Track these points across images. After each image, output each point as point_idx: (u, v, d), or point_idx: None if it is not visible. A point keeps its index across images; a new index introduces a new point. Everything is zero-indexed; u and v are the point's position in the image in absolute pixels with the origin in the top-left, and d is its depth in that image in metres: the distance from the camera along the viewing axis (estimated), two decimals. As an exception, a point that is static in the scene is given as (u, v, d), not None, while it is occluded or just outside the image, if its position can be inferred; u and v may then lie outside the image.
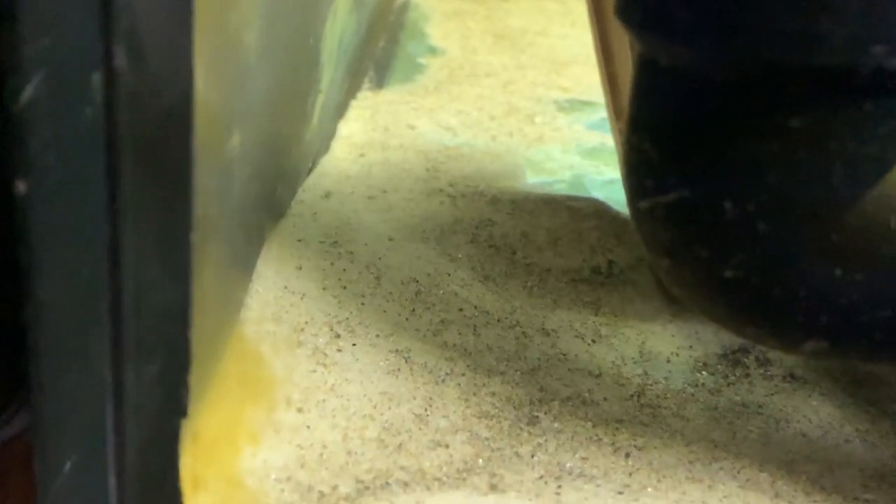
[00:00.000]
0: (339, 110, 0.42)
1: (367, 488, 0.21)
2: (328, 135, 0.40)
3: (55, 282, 0.16)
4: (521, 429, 0.24)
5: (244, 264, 0.26)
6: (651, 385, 0.26)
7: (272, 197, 0.29)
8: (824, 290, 0.18)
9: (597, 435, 0.24)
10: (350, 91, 0.44)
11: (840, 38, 0.16)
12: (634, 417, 0.25)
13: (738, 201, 0.18)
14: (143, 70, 0.15)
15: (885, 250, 0.17)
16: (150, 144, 0.16)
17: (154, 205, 0.16)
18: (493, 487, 0.22)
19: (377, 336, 0.26)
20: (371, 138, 0.40)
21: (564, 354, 0.27)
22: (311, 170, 0.37)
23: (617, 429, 0.24)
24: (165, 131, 0.16)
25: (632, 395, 0.26)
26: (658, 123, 0.20)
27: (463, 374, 0.25)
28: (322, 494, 0.21)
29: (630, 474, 0.23)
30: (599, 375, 0.26)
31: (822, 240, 0.18)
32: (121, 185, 0.15)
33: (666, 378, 0.27)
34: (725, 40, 0.17)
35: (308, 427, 0.22)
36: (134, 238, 0.16)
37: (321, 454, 0.22)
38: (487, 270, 0.31)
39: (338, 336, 0.25)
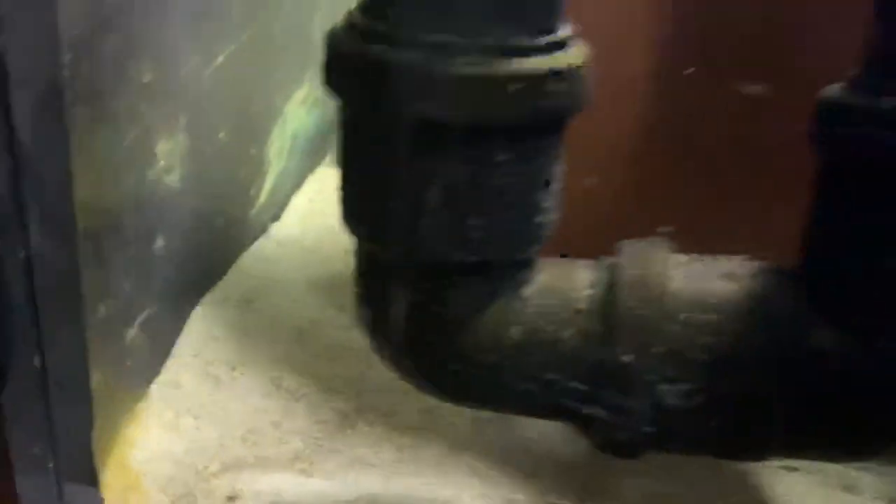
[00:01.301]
0: (296, 185, 0.55)
1: (227, 468, 0.34)
2: (280, 206, 0.52)
3: None
4: (343, 432, 0.36)
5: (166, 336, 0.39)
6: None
7: (204, 274, 0.42)
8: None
9: (391, 437, 0.36)
10: (309, 168, 0.57)
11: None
12: (424, 425, 0.36)
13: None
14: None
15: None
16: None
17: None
18: (303, 472, 0.34)
19: (261, 368, 0.38)
20: (315, 207, 0.53)
21: (392, 378, 0.39)
22: (261, 234, 0.50)
23: (406, 432, 0.36)
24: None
25: (427, 409, 0.37)
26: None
27: (314, 395, 0.38)
28: (196, 469, 0.33)
29: (403, 463, 0.34)
30: (407, 393, 0.38)
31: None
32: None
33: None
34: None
35: (198, 429, 0.35)
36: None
37: (203, 445, 0.34)
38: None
39: (233, 369, 0.38)
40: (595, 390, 0.26)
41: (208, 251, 0.41)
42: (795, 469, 0.38)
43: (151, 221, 0.35)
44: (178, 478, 0.33)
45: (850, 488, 0.38)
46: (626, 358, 0.25)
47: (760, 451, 0.28)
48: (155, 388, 0.36)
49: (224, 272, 0.44)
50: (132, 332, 0.34)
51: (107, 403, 0.32)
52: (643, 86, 0.38)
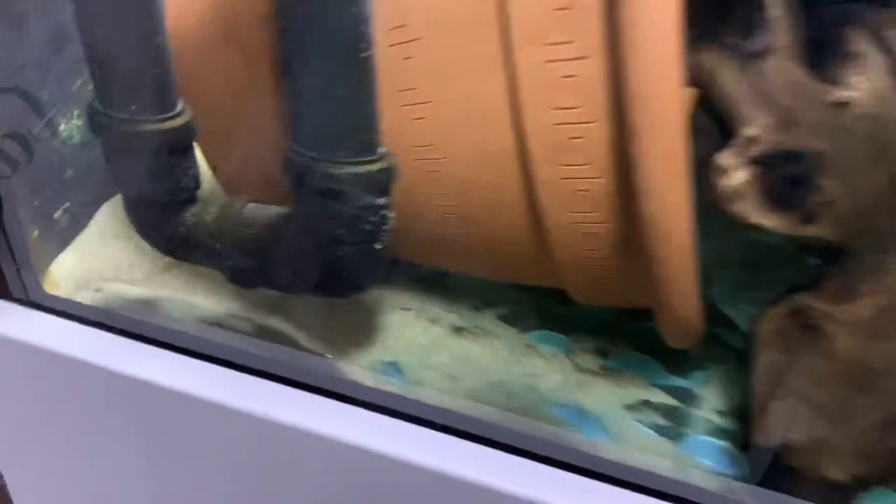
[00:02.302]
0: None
1: (103, 279, 0.67)
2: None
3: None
4: (165, 273, 0.69)
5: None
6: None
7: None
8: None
9: (180, 272, 0.68)
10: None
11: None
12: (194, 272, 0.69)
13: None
14: None
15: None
16: None
17: None
18: (136, 283, 0.67)
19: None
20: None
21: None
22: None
23: (188, 271, 0.68)
24: None
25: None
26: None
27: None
28: (86, 279, 0.67)
29: (174, 286, 0.67)
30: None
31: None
32: None
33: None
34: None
35: (88, 262, 0.69)
36: None
37: (90, 268, 0.68)
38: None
39: (114, 237, 0.71)
40: (222, 251, 0.58)
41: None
42: (410, 309, 0.68)
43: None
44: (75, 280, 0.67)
45: (434, 320, 0.68)
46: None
47: (301, 290, 0.58)
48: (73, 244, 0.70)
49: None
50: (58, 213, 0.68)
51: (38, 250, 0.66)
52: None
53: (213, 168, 0.62)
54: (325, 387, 0.59)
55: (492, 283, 0.70)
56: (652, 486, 0.54)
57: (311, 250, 0.53)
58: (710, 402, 0.64)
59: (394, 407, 0.57)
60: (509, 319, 0.68)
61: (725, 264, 0.66)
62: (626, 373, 0.66)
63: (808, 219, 0.47)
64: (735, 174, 0.46)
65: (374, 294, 0.68)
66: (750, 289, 0.66)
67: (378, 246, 0.53)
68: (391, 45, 0.49)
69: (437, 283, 0.70)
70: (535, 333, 0.68)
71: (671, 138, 0.44)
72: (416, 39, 0.49)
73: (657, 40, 0.42)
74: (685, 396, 0.65)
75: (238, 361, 0.59)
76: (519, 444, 0.55)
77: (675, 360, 0.67)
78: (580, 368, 0.65)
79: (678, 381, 0.66)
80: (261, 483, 0.60)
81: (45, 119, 0.62)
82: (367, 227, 0.51)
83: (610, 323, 0.69)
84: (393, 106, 0.52)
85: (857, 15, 0.43)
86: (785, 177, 0.45)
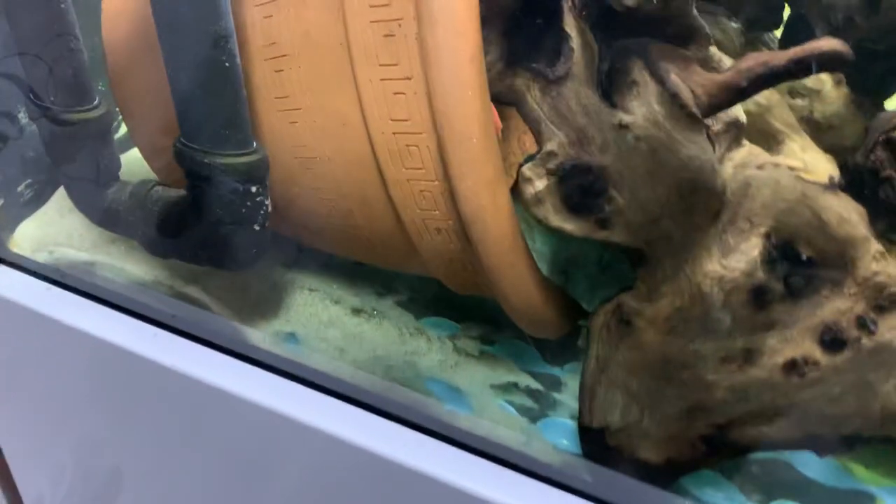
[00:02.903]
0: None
1: (57, 245, 0.78)
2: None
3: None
4: (109, 246, 0.79)
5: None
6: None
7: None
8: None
9: (118, 244, 0.78)
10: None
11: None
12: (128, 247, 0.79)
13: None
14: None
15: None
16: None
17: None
18: (86, 251, 0.77)
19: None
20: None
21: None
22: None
23: (124, 242, 0.78)
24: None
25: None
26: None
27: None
28: (41, 246, 0.78)
29: (117, 255, 0.77)
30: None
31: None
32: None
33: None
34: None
35: (45, 228, 0.79)
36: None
37: (46, 233, 0.79)
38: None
39: (71, 211, 0.82)
40: (135, 224, 0.67)
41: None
42: (316, 290, 0.77)
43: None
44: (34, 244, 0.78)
45: (336, 301, 0.76)
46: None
47: (200, 262, 0.67)
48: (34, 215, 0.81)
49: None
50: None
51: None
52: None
53: (151, 163, 0.72)
54: (231, 347, 0.68)
55: (397, 271, 0.78)
56: (498, 454, 0.61)
57: (200, 228, 0.62)
58: (573, 388, 0.71)
59: (285, 368, 0.66)
60: (406, 305, 0.76)
61: (584, 265, 0.72)
62: (503, 358, 0.73)
63: (602, 225, 0.54)
64: (536, 183, 0.53)
65: (287, 275, 0.77)
66: (605, 287, 0.73)
67: (256, 227, 0.62)
68: (266, 60, 0.58)
69: (347, 269, 0.78)
70: (428, 319, 0.75)
71: (477, 150, 0.52)
72: (284, 56, 0.57)
73: (457, 65, 0.50)
74: (552, 382, 0.72)
75: (160, 319, 0.69)
76: (386, 409, 0.64)
77: (554, 351, 0.74)
78: (461, 351, 0.73)
79: (550, 370, 0.73)
80: (173, 429, 0.69)
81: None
82: (243, 210, 0.60)
83: (502, 313, 0.76)
84: (272, 110, 0.60)
85: (641, 47, 0.50)
86: (578, 186, 0.52)
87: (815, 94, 0.76)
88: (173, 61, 0.53)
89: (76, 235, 0.78)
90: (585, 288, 0.73)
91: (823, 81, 0.76)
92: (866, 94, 0.80)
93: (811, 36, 0.68)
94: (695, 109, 0.50)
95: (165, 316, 0.69)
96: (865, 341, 0.53)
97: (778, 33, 0.79)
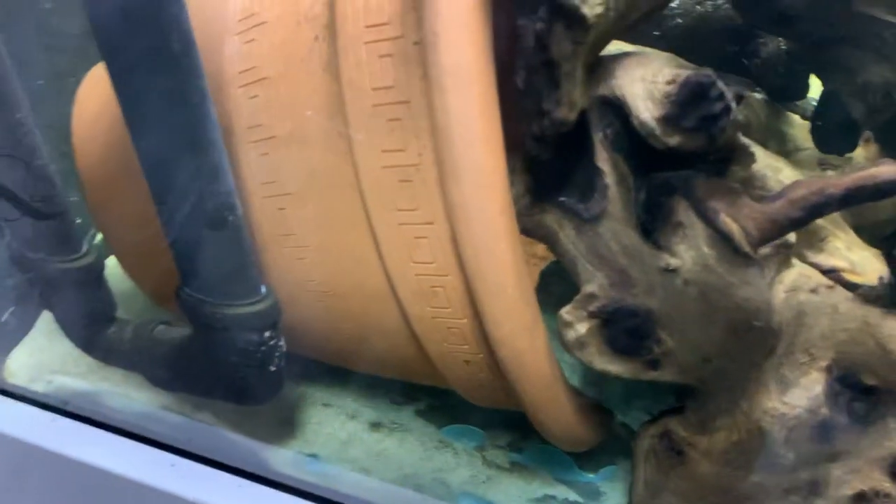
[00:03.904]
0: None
1: (52, 372, 0.73)
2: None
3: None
4: (99, 370, 0.74)
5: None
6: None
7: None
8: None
9: (101, 368, 0.74)
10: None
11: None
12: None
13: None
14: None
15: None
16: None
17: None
18: (81, 377, 0.72)
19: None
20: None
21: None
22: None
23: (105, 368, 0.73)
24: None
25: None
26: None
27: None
28: (38, 370, 0.73)
29: (97, 377, 0.72)
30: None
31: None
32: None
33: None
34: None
35: (37, 356, 0.75)
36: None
37: (41, 361, 0.74)
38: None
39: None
40: (140, 363, 0.63)
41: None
42: (330, 405, 0.73)
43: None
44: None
45: (353, 416, 0.72)
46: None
47: (212, 398, 0.63)
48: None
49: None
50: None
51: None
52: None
53: (140, 284, 0.67)
54: (256, 472, 0.64)
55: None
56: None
57: (212, 370, 0.58)
58: (613, 497, 0.67)
59: (314, 492, 0.62)
60: (427, 415, 0.72)
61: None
62: (535, 468, 0.69)
63: (652, 366, 0.50)
64: (578, 326, 0.49)
65: (297, 390, 0.73)
66: (641, 397, 0.69)
67: (272, 368, 0.57)
68: (266, 197, 0.53)
69: (359, 378, 0.74)
70: (452, 428, 0.71)
71: (512, 299, 0.48)
72: (287, 194, 0.52)
73: (487, 219, 0.45)
74: (590, 492, 0.68)
75: (176, 445, 0.65)
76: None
77: (587, 455, 0.70)
78: (490, 464, 0.69)
79: (585, 477, 0.69)
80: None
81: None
82: (258, 355, 0.56)
83: (526, 418, 0.72)
84: (276, 246, 0.56)
85: (684, 184, 0.46)
86: (623, 329, 0.48)
87: (847, 162, 0.72)
88: (171, 221, 0.48)
89: (71, 361, 0.74)
90: (621, 398, 0.69)
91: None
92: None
93: (845, 113, 0.64)
94: (748, 249, 0.45)
95: (181, 441, 0.65)
96: (940, 474, 0.49)
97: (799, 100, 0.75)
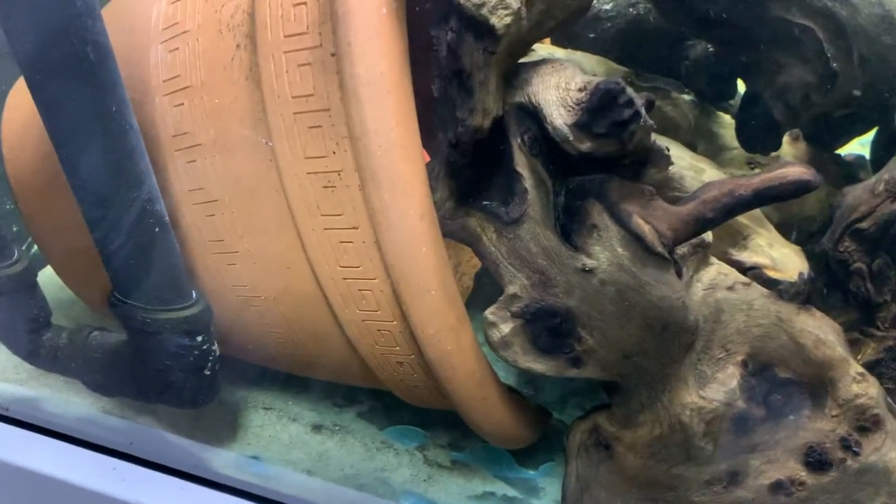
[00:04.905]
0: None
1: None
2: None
3: None
4: (39, 377, 0.74)
5: None
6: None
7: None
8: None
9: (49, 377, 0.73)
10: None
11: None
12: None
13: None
14: None
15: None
16: None
17: None
18: (22, 384, 0.72)
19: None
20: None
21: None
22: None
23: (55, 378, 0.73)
24: None
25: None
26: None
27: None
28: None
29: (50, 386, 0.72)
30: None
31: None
32: None
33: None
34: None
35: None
36: None
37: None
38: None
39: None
40: (76, 370, 0.63)
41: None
42: (271, 408, 0.73)
43: None
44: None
45: (294, 419, 0.72)
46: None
47: (150, 402, 0.63)
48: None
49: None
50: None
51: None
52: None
53: (76, 292, 0.67)
54: (199, 474, 0.64)
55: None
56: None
57: (147, 375, 0.58)
58: (551, 493, 0.68)
59: (256, 493, 0.62)
60: (368, 416, 0.72)
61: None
62: (475, 466, 0.70)
63: (574, 363, 0.51)
64: (502, 326, 0.50)
65: (237, 393, 0.73)
66: (576, 395, 0.70)
67: (206, 372, 0.58)
68: (194, 204, 0.54)
69: (299, 381, 0.74)
70: (393, 429, 0.72)
71: (436, 301, 0.49)
72: (215, 201, 0.53)
73: (408, 225, 0.46)
74: (529, 488, 0.69)
75: (120, 450, 0.65)
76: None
77: (526, 452, 0.71)
78: (431, 463, 0.70)
79: (525, 473, 0.70)
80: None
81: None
82: (191, 359, 0.56)
83: (466, 416, 0.73)
84: (207, 252, 0.56)
85: (598, 187, 0.47)
86: (545, 328, 0.49)
87: (773, 160, 0.74)
88: (97, 229, 0.49)
89: (10, 367, 0.73)
90: (556, 396, 0.70)
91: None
92: (823, 146, 0.78)
93: (767, 114, 0.65)
94: (661, 249, 0.47)
95: (123, 445, 0.65)
96: (851, 462, 0.51)
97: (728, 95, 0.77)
